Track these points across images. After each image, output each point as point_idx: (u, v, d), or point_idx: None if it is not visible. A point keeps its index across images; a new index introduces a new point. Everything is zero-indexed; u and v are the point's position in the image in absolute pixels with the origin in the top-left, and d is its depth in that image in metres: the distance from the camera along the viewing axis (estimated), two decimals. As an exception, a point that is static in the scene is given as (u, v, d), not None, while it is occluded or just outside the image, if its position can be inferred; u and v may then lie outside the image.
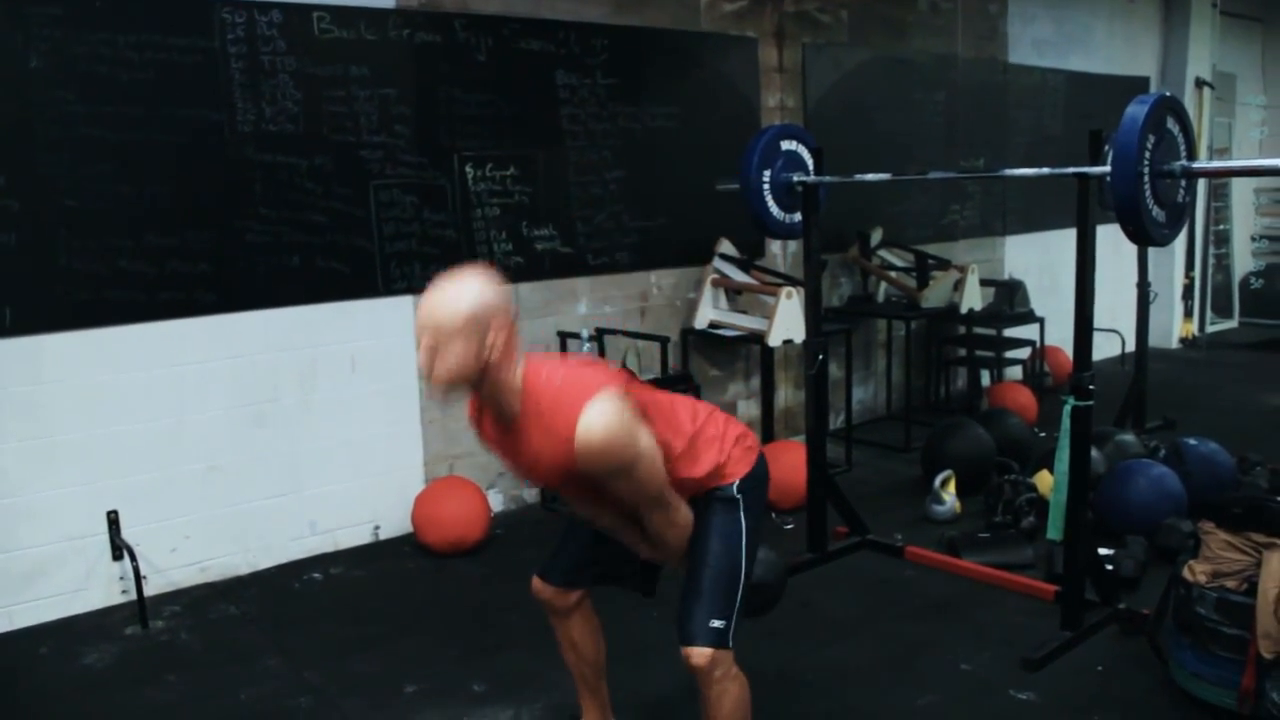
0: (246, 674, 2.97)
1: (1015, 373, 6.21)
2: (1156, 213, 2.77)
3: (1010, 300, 5.86)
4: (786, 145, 3.71)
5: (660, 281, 4.82)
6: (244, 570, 3.74)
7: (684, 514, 2.06)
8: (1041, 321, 5.88)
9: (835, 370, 4.79)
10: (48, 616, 3.35)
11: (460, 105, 4.07)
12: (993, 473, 4.29)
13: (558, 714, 2.69)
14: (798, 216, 3.72)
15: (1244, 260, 8.84)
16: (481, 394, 1.90)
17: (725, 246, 4.87)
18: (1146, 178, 2.70)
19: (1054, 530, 3.10)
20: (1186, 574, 2.65)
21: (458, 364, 1.80)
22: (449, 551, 3.82)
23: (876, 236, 5.60)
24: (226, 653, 3.12)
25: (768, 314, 4.55)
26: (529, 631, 3.13)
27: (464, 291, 1.81)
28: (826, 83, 5.38)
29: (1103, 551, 3.33)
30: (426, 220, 4.03)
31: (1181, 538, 3.40)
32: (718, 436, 2.10)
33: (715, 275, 4.82)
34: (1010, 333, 5.80)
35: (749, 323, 4.71)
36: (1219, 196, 8.44)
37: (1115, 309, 6.18)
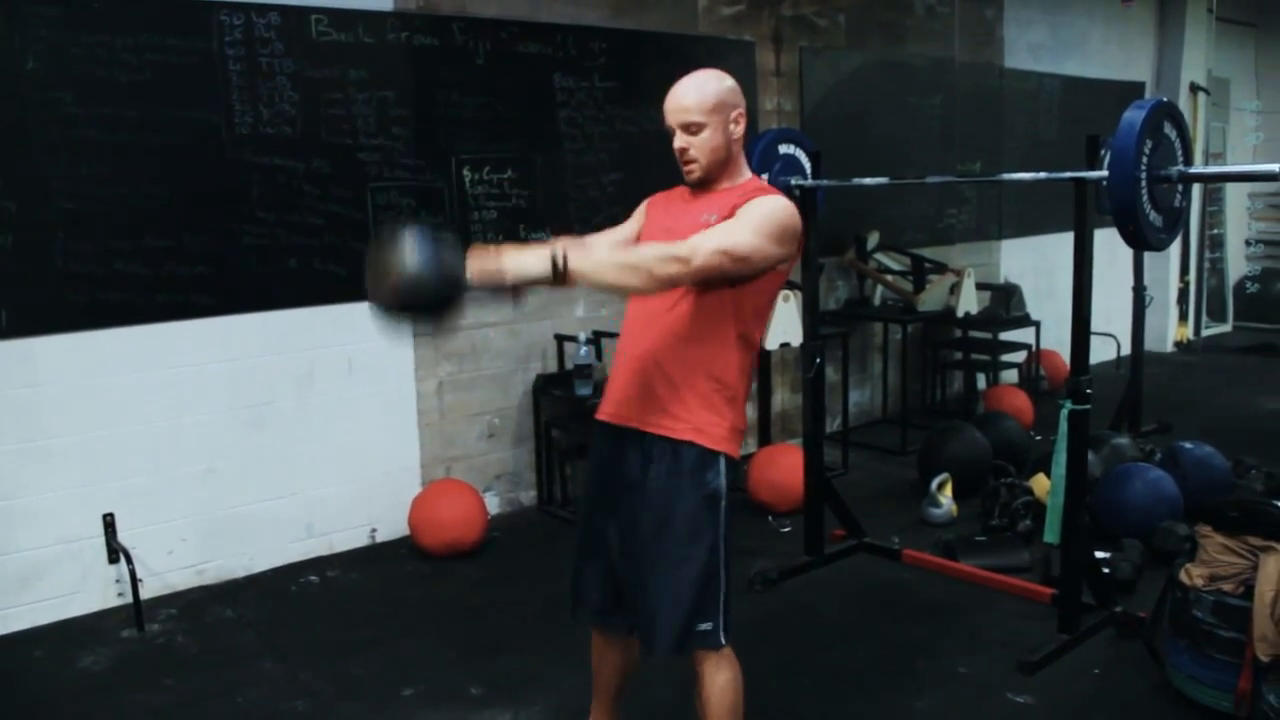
0: (243, 677, 2.97)
1: (1011, 376, 6.22)
2: (1154, 217, 2.79)
3: (1006, 304, 5.87)
4: (784, 149, 3.72)
5: (658, 285, 4.80)
6: (240, 573, 3.73)
7: (683, 273, 1.92)
8: (1037, 325, 5.89)
9: (832, 373, 4.78)
10: (43, 619, 3.34)
11: (458, 108, 4.07)
12: (989, 476, 4.29)
13: (556, 716, 2.69)
14: (795, 219, 3.72)
15: (1238, 264, 8.89)
16: (708, 173, 2.07)
17: (723, 249, 4.86)
18: (1144, 182, 2.71)
19: (1051, 533, 3.10)
20: (1183, 577, 2.66)
21: (712, 143, 2.02)
22: (446, 554, 3.81)
23: (873, 240, 5.60)
24: (223, 656, 3.11)
25: (765, 317, 4.54)
26: (526, 634, 3.13)
27: (709, 80, 2.02)
28: (824, 87, 5.39)
29: (1099, 555, 3.34)
30: (424, 223, 4.01)
31: (1178, 541, 3.41)
32: (741, 401, 2.11)
33: (712, 278, 4.81)
34: (1006, 336, 5.81)
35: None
36: (1213, 201, 8.47)
37: (1110, 313, 6.20)
